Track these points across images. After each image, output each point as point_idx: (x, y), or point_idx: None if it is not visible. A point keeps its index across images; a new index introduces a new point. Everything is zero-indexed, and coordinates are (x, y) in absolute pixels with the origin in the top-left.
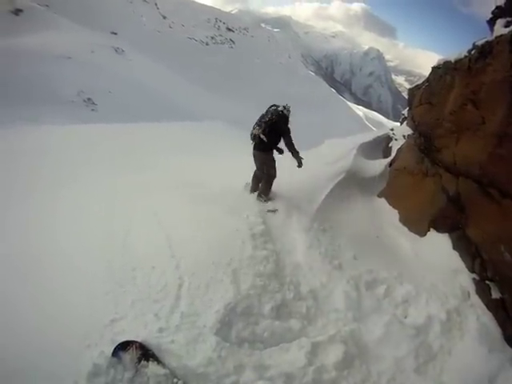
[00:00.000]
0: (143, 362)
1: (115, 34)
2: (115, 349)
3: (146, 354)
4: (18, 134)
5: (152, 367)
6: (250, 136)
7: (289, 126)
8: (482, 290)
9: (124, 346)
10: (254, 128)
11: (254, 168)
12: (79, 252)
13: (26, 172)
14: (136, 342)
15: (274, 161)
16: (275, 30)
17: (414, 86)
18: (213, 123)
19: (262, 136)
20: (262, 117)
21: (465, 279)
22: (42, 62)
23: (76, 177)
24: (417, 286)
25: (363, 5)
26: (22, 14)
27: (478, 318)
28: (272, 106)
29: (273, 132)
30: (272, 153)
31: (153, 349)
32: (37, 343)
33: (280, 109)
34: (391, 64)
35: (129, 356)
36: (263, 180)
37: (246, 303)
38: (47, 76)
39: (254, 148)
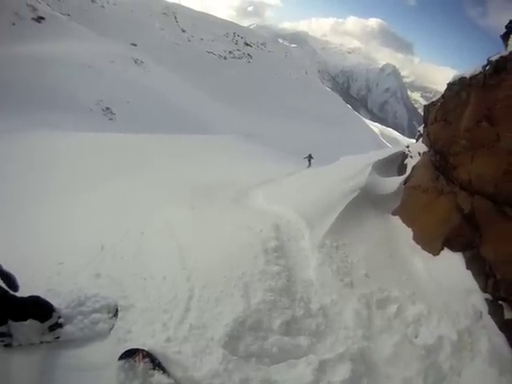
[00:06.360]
0: (150, 371)
1: (135, 45)
2: (122, 355)
3: (152, 362)
4: (38, 139)
5: (157, 376)
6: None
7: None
8: (495, 311)
9: (131, 354)
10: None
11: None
12: None
13: (44, 175)
14: (143, 350)
15: None
16: (292, 45)
17: (429, 102)
18: (228, 137)
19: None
20: None
21: (477, 299)
22: (63, 70)
23: (92, 183)
24: (429, 306)
25: (379, 20)
26: (44, 22)
27: (490, 339)
28: None
29: None
30: None
31: (159, 358)
32: None
33: None
34: (407, 80)
35: (142, 364)
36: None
37: (255, 318)
38: (68, 84)
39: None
